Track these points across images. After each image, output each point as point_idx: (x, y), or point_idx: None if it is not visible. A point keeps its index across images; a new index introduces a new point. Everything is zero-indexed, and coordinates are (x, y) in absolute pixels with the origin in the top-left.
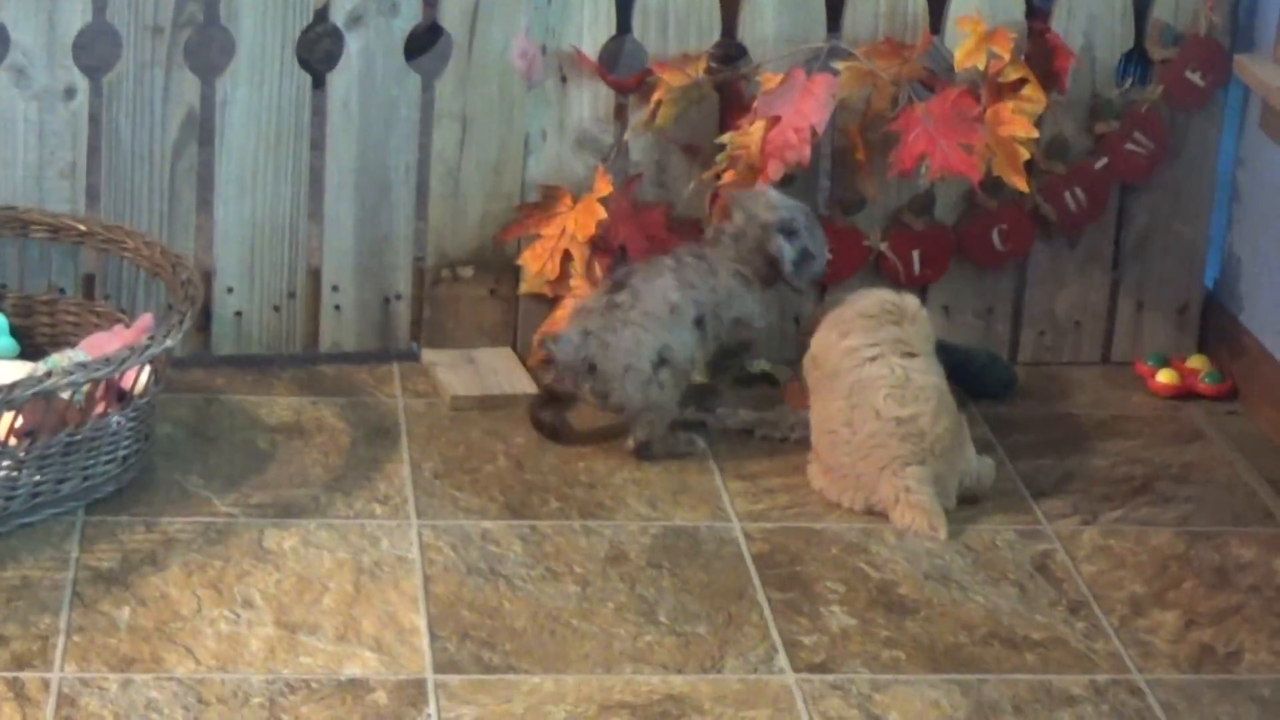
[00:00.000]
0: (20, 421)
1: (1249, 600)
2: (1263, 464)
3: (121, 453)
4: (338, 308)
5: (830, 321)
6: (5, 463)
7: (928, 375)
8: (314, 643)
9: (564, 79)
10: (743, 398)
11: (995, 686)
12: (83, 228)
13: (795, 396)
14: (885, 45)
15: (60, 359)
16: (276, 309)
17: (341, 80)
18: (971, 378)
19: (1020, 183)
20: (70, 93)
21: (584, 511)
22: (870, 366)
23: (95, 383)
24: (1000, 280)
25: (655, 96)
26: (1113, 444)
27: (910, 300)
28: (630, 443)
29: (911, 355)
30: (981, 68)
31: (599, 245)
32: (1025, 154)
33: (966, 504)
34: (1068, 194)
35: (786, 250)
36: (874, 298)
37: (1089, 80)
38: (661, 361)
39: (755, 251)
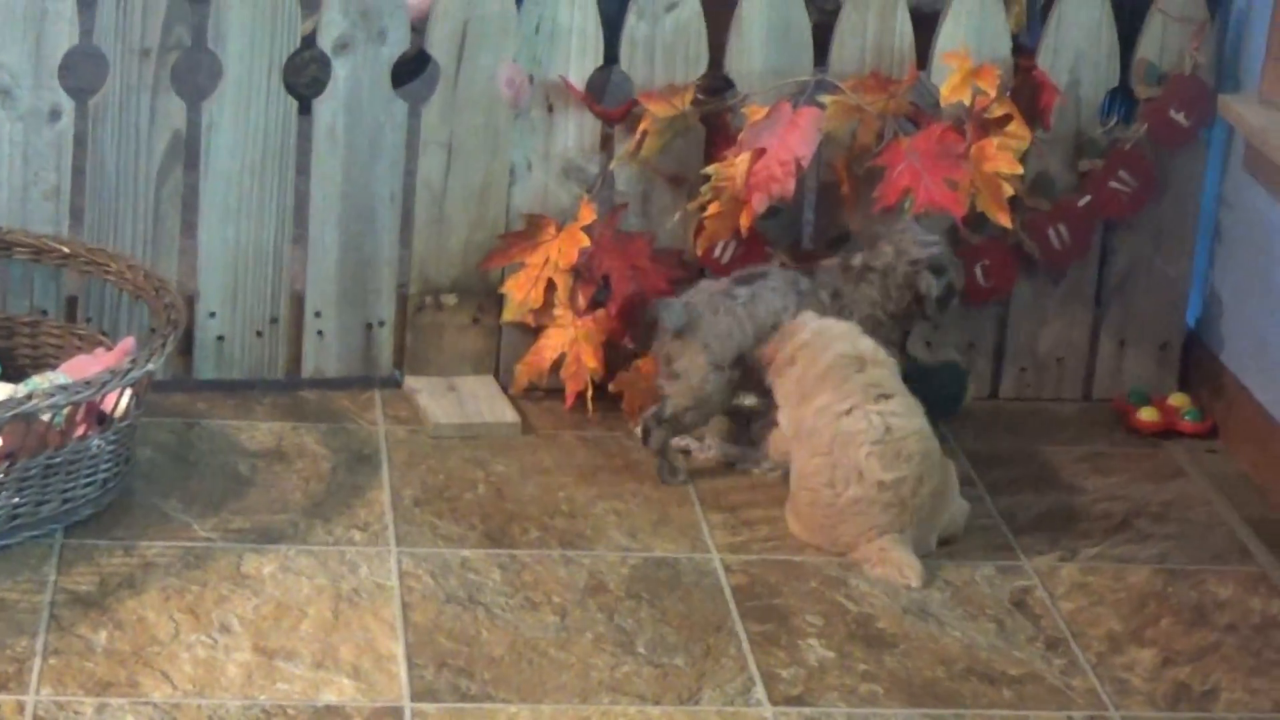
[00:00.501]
0: (0, 443)
1: (1226, 639)
2: (1241, 503)
3: (101, 476)
4: (320, 333)
5: (791, 389)
6: None
7: (909, 419)
8: (291, 669)
9: (550, 108)
10: (725, 429)
11: None
12: (66, 250)
13: (774, 443)
14: (871, 80)
15: (41, 381)
16: (259, 334)
17: (328, 106)
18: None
19: (1004, 219)
20: (56, 114)
21: (564, 541)
22: (847, 420)
23: (76, 405)
24: (983, 316)
25: (641, 127)
26: (1092, 481)
27: (864, 343)
28: (651, 411)
29: (887, 397)
30: (967, 103)
31: (582, 275)
32: (1009, 190)
33: (944, 543)
34: (1051, 231)
35: (935, 288)
36: (828, 355)
37: (1074, 117)
38: (738, 362)
39: (902, 288)
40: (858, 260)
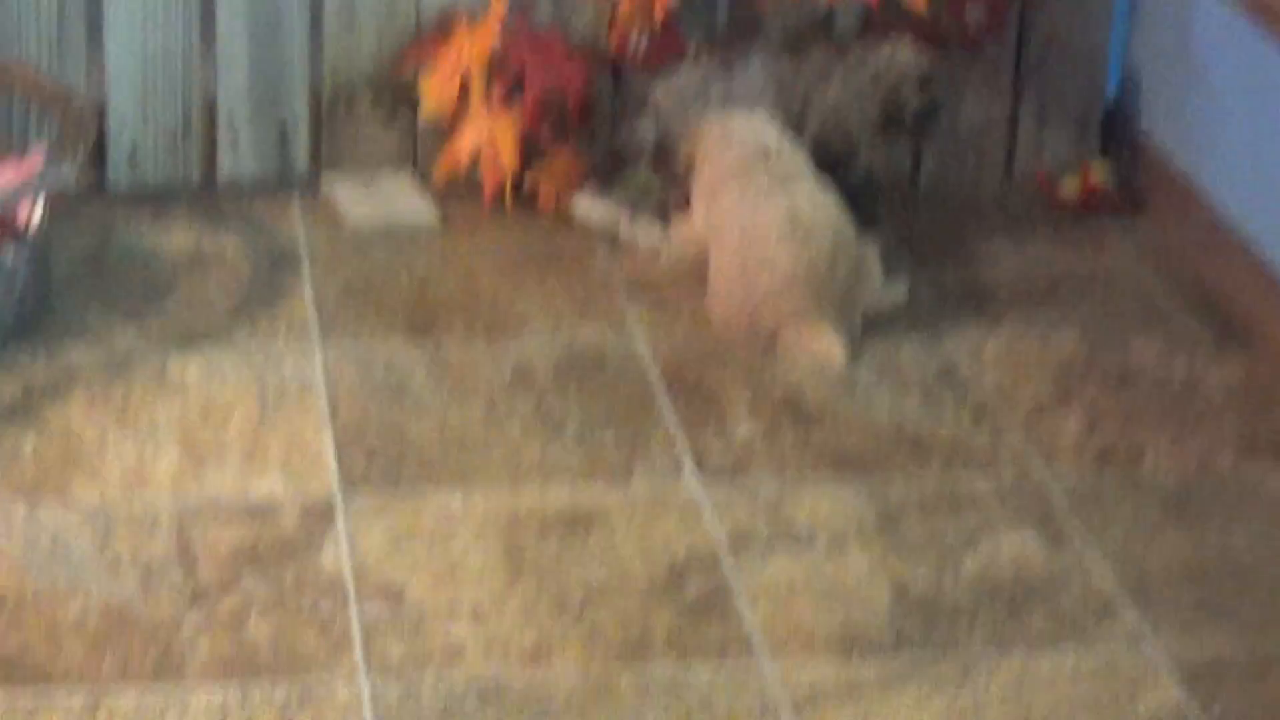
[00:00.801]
0: None
1: (1150, 402)
2: (1163, 269)
3: (19, 288)
4: (234, 139)
5: (703, 187)
6: None
7: (815, 202)
8: (221, 467)
9: None
10: (658, 212)
11: (901, 491)
12: None
13: (678, 232)
14: None
15: None
16: (172, 142)
17: None
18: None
19: (919, 2)
20: None
21: (488, 331)
22: (754, 213)
23: None
24: None
25: None
26: (1015, 254)
27: (770, 134)
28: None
29: (792, 185)
30: None
31: (496, 70)
32: None
33: (878, 318)
34: (968, 10)
35: (917, 101)
36: (734, 151)
37: None
38: None
39: (888, 94)
40: (851, 58)
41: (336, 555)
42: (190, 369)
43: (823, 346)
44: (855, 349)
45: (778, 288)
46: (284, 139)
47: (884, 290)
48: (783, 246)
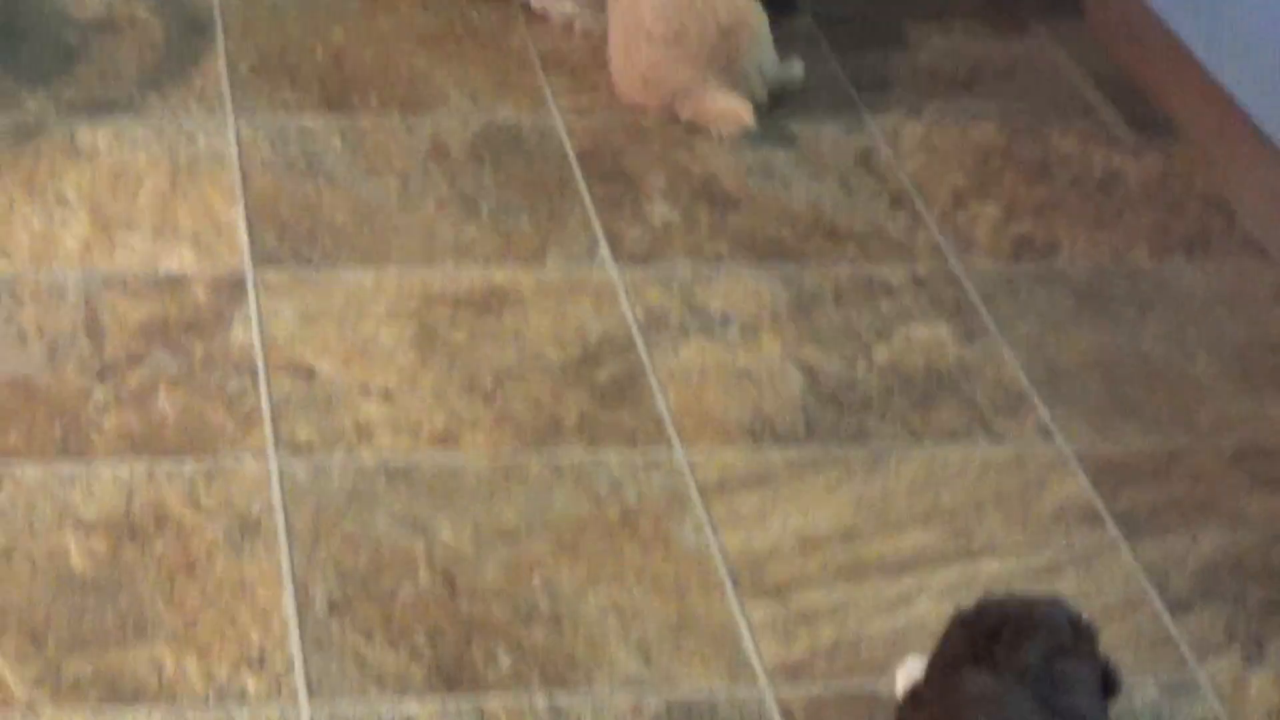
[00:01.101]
0: None
1: (1068, 193)
2: (1087, 59)
3: None
4: None
5: None
6: None
7: None
8: (130, 239)
9: None
10: None
11: (816, 277)
12: None
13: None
14: None
15: None
16: None
17: None
18: None
19: None
20: None
21: (404, 106)
22: None
23: None
24: None
25: None
26: (938, 39)
27: None
28: None
29: None
30: None
31: None
32: None
33: (788, 101)
34: None
35: None
36: None
37: None
38: None
39: None
40: None
41: (246, 331)
42: (100, 138)
43: (726, 110)
44: (774, 129)
45: (656, 57)
46: None
47: (782, 66)
48: (655, 16)
